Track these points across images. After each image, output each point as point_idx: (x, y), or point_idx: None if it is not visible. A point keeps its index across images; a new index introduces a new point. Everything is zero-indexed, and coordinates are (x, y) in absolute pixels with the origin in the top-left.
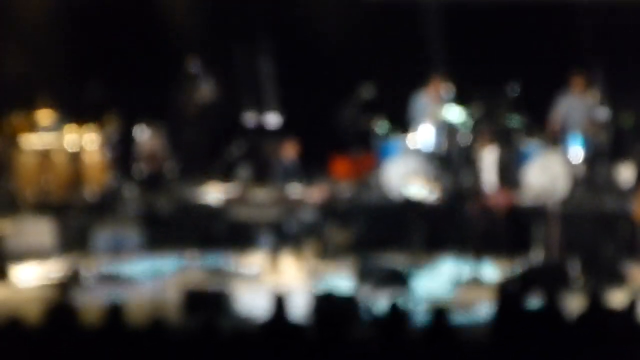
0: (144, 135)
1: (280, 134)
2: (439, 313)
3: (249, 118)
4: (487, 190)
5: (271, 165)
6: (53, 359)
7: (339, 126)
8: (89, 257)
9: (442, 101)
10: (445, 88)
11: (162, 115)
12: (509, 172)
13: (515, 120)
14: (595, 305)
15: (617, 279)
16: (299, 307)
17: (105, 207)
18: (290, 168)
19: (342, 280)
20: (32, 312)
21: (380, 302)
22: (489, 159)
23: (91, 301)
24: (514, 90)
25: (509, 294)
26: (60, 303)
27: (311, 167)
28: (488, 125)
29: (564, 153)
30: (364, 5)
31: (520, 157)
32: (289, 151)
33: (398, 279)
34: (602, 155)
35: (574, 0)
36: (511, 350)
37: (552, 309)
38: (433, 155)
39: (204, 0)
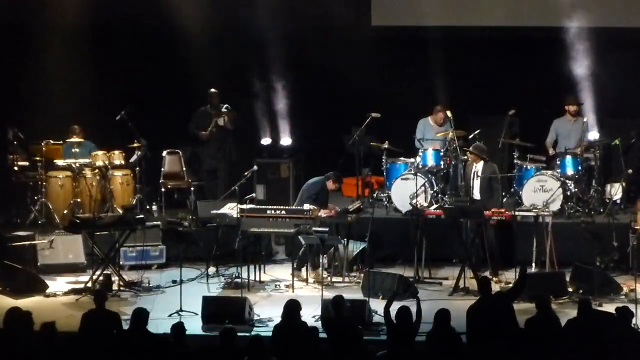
0: (167, 158)
1: (294, 156)
2: (442, 315)
3: (265, 143)
4: (486, 206)
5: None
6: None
7: (349, 149)
8: (117, 269)
9: (444, 126)
10: (448, 114)
11: (185, 140)
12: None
13: (513, 143)
14: (588, 311)
15: (610, 287)
16: (311, 312)
17: (132, 223)
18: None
19: (351, 291)
20: (67, 319)
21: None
22: (487, 178)
23: (119, 308)
24: (512, 115)
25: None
26: (94, 310)
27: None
28: (488, 148)
29: (558, 172)
30: (371, 37)
31: (518, 176)
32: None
33: (405, 288)
34: (593, 174)
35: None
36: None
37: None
38: (436, 175)
39: (225, 39)
